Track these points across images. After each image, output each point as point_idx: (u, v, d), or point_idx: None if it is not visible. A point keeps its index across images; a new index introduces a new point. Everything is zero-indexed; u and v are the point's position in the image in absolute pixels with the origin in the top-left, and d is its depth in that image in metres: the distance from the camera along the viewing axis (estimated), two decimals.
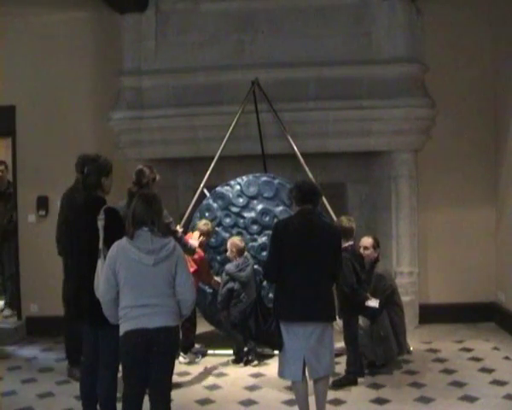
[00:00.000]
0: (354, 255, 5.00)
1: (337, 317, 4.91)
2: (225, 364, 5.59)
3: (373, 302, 5.04)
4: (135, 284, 3.44)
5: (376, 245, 5.37)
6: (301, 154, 6.10)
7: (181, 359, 5.56)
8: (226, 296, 5.49)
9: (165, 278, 3.47)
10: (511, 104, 6.24)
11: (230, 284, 5.48)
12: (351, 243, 5.00)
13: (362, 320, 5.13)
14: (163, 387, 3.51)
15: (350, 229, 4.99)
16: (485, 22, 6.64)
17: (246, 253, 5.65)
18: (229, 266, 5.55)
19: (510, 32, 6.18)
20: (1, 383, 5.22)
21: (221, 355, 5.77)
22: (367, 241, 5.31)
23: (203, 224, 5.64)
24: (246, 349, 5.57)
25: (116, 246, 3.51)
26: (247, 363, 5.55)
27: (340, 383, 4.93)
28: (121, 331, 3.46)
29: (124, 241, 3.51)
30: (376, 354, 5.15)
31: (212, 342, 5.94)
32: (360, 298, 4.97)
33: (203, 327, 6.16)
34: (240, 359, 5.58)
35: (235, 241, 5.62)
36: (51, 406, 4.72)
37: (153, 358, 3.44)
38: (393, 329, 5.19)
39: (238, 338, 5.56)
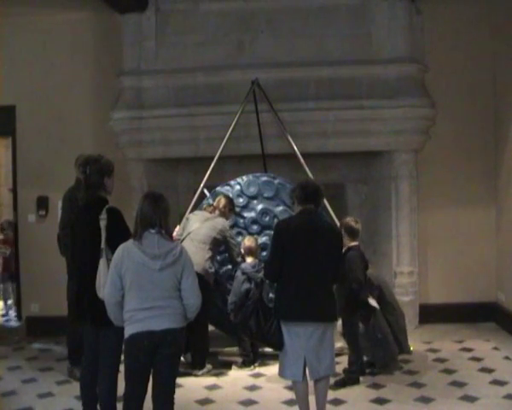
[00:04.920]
0: (361, 254, 5.02)
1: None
2: (226, 364, 5.59)
3: (373, 302, 5.06)
4: (141, 287, 3.42)
5: None
6: (301, 154, 6.09)
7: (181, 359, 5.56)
8: (243, 297, 5.23)
9: (171, 282, 3.45)
10: (511, 104, 6.24)
11: (247, 285, 5.28)
12: (356, 243, 5.03)
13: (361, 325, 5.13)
14: (167, 389, 3.50)
15: (357, 230, 5.04)
16: (485, 22, 6.64)
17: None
18: (246, 266, 5.40)
19: (510, 32, 6.18)
20: (1, 383, 5.22)
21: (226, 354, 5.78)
22: None
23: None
24: (252, 354, 5.53)
25: (122, 249, 3.49)
26: (247, 364, 5.53)
27: (343, 383, 4.94)
28: (126, 334, 3.45)
29: (130, 243, 3.49)
30: (376, 357, 5.15)
31: (212, 341, 5.93)
32: (365, 296, 4.98)
33: None
34: (248, 362, 5.49)
35: (244, 240, 5.60)
36: (51, 406, 4.72)
37: (158, 360, 3.43)
38: (390, 328, 5.20)
39: (246, 341, 5.47)
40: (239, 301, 5.27)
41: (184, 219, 5.66)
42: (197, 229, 5.39)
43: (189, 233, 5.40)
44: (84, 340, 4.08)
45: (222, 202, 5.61)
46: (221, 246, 5.55)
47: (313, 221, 3.99)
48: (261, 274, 5.30)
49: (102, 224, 3.80)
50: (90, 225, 3.88)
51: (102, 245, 3.76)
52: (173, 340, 3.44)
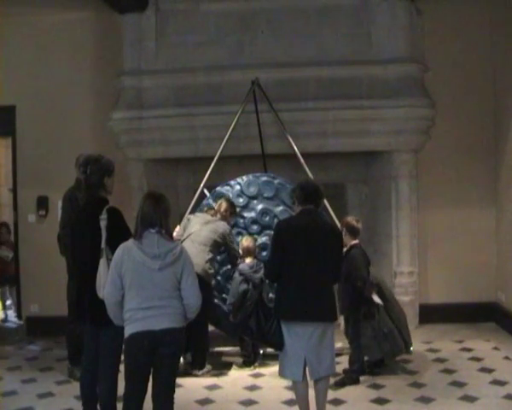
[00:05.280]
0: (363, 252, 5.05)
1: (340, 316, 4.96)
2: (226, 364, 5.59)
3: (377, 298, 5.05)
4: (140, 286, 3.42)
5: None
6: (301, 154, 6.09)
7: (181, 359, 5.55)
8: (241, 298, 5.24)
9: (170, 282, 3.46)
10: (511, 104, 6.24)
11: (244, 286, 5.28)
12: (357, 241, 5.05)
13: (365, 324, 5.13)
14: (167, 388, 3.50)
15: (358, 229, 5.07)
16: (485, 22, 6.65)
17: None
18: (243, 266, 5.39)
19: (510, 32, 6.18)
20: (1, 383, 5.23)
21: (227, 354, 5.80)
22: None
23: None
24: (253, 354, 5.53)
25: (122, 248, 3.50)
26: (248, 364, 5.53)
27: (343, 383, 4.94)
28: (126, 333, 3.45)
29: (130, 243, 3.49)
30: (384, 351, 5.13)
31: (212, 341, 5.93)
32: (369, 293, 4.98)
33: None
34: (250, 362, 5.50)
35: (241, 240, 5.60)
36: (51, 406, 4.72)
37: (158, 359, 3.43)
38: (393, 324, 5.21)
39: (248, 342, 5.47)
40: (237, 302, 5.28)
41: (185, 220, 5.66)
42: (198, 231, 5.40)
43: (189, 234, 5.40)
44: (84, 340, 4.08)
45: (223, 205, 5.63)
46: (221, 248, 5.57)
47: (313, 221, 3.99)
48: (259, 275, 5.31)
49: (103, 224, 3.80)
50: (90, 225, 3.88)
51: (103, 245, 3.76)
52: (173, 340, 3.44)
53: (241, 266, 5.42)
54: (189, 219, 5.62)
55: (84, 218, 4.02)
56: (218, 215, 5.60)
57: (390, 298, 5.33)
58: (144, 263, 3.42)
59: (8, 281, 7.25)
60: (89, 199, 4.07)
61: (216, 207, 5.68)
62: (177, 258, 3.48)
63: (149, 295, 3.42)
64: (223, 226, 5.48)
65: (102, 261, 3.73)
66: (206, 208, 5.86)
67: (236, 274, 5.40)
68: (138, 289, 3.42)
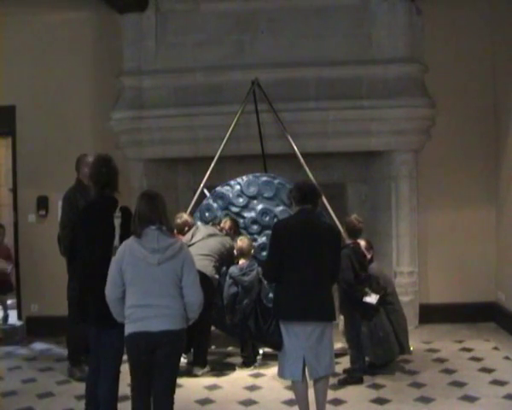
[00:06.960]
0: (355, 253, 5.00)
1: (339, 315, 4.95)
2: (226, 364, 5.60)
3: (371, 298, 5.01)
4: (140, 283, 3.43)
5: (370, 247, 5.41)
6: (301, 154, 6.10)
7: (182, 359, 5.54)
8: (230, 301, 5.34)
9: (170, 279, 3.46)
10: (511, 104, 6.24)
11: (234, 289, 5.35)
12: (354, 241, 5.04)
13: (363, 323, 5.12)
14: (167, 388, 3.50)
15: (359, 229, 5.05)
16: (485, 22, 6.64)
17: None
18: (233, 269, 5.43)
19: (510, 32, 6.18)
20: (1, 383, 5.22)
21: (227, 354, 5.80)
22: (361, 243, 5.33)
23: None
24: (253, 354, 5.54)
25: (124, 245, 3.53)
26: (248, 364, 5.54)
27: (346, 382, 4.94)
28: (126, 332, 3.47)
29: (131, 240, 3.52)
30: (377, 355, 5.15)
31: (213, 341, 5.93)
32: (357, 294, 4.96)
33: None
34: (249, 363, 5.51)
35: (237, 240, 5.62)
36: (51, 406, 4.71)
37: (157, 360, 3.44)
38: (392, 328, 5.19)
39: (248, 342, 5.49)
40: (228, 304, 5.35)
41: (194, 228, 5.69)
42: (206, 240, 5.49)
43: (196, 241, 5.48)
44: (89, 340, 4.06)
45: (228, 224, 5.79)
46: (223, 261, 5.63)
47: (311, 221, 3.99)
48: (248, 278, 5.34)
49: (117, 222, 3.81)
50: (101, 224, 3.88)
51: (116, 243, 3.76)
52: (170, 341, 3.43)
53: (230, 269, 5.46)
54: (197, 228, 5.67)
55: (95, 217, 3.99)
56: (224, 232, 5.71)
57: (393, 300, 5.32)
58: (144, 258, 3.43)
59: (9, 291, 7.11)
60: (98, 198, 4.06)
61: (221, 225, 5.80)
62: (176, 252, 3.48)
63: (149, 291, 3.42)
64: (229, 242, 5.63)
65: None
66: (211, 223, 5.91)
67: (227, 277, 5.46)
68: (138, 285, 3.43)
